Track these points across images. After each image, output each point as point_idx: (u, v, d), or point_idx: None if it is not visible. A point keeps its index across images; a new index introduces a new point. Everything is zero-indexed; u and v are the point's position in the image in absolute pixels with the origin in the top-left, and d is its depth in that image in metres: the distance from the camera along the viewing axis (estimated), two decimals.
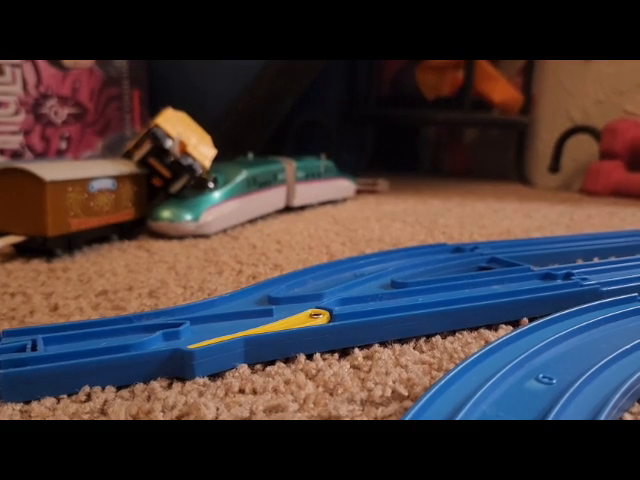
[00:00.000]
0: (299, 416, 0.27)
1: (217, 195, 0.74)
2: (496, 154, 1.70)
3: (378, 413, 0.28)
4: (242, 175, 0.79)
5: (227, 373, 0.32)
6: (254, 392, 0.30)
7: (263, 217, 0.87)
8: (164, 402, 0.28)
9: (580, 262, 0.57)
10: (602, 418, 0.25)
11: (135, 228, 0.71)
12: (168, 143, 0.69)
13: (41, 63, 0.88)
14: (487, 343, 0.34)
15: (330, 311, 0.37)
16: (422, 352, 0.36)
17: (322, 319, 0.37)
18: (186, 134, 0.73)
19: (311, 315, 0.37)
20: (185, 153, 0.71)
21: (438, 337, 0.38)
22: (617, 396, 0.27)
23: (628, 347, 0.32)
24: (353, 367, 0.33)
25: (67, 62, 0.90)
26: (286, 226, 0.80)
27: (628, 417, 0.28)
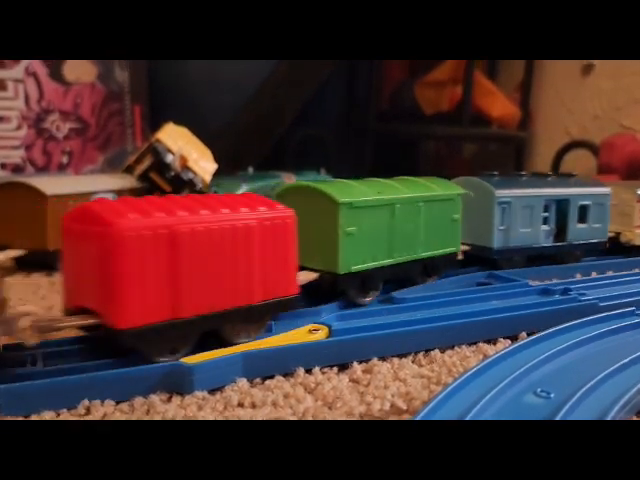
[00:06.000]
0: None
1: None
2: (495, 168, 1.71)
3: None
4: (242, 189, 0.79)
5: (226, 387, 0.32)
6: (253, 406, 0.30)
7: None
8: (163, 415, 0.28)
9: (579, 277, 0.57)
10: None
11: None
12: (169, 158, 0.70)
13: (43, 79, 0.88)
14: (486, 357, 0.34)
15: (329, 326, 0.37)
16: (421, 366, 0.36)
17: (321, 334, 0.37)
18: (187, 149, 0.73)
19: (310, 330, 0.37)
20: (186, 167, 0.72)
21: (437, 351, 0.38)
22: (615, 409, 0.27)
23: (626, 361, 0.33)
24: (352, 381, 0.34)
25: (69, 77, 0.91)
26: None
27: None
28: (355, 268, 0.42)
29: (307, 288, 0.40)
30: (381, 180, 0.48)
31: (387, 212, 0.44)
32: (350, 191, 0.42)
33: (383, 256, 0.44)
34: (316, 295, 0.42)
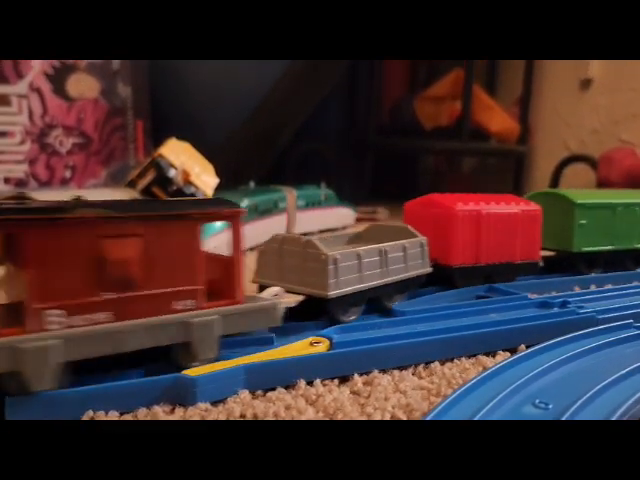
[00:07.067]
0: None
1: (219, 223, 0.75)
2: (494, 183, 1.72)
3: None
4: (243, 203, 0.80)
5: (228, 398, 0.32)
6: (255, 417, 0.30)
7: None
8: None
9: (577, 290, 0.57)
10: None
11: None
12: (171, 172, 0.70)
13: (47, 94, 0.89)
14: (485, 369, 0.34)
15: (330, 339, 0.38)
16: (421, 378, 0.36)
17: (322, 347, 0.37)
18: (189, 163, 0.74)
19: (311, 343, 0.37)
20: (188, 182, 0.72)
21: (437, 363, 0.38)
22: (612, 420, 0.27)
23: (623, 372, 0.33)
24: (353, 393, 0.34)
25: (72, 93, 0.92)
26: None
27: None
28: (584, 249, 0.61)
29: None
30: (611, 190, 0.72)
31: (610, 212, 0.63)
32: (583, 196, 0.62)
33: (605, 243, 0.63)
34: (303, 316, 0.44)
